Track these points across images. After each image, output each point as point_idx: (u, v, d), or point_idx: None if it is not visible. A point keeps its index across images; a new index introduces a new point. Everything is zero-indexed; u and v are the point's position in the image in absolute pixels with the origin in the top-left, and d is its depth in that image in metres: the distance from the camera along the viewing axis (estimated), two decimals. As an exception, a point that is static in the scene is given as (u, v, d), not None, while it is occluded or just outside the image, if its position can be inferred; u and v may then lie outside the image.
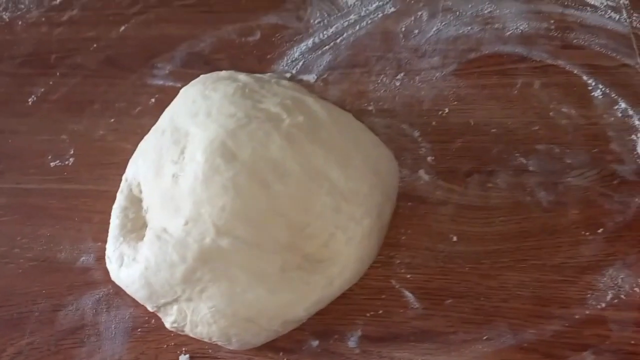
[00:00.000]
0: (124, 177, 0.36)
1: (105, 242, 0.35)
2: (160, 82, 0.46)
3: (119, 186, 0.38)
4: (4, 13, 0.53)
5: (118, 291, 0.33)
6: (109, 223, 0.35)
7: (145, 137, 0.37)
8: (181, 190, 0.31)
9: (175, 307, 0.30)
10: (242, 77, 0.36)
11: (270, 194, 0.31)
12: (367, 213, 0.32)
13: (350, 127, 0.35)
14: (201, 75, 0.39)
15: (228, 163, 0.31)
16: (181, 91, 0.38)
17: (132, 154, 0.39)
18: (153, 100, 0.45)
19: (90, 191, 0.39)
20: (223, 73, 0.38)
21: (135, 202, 0.34)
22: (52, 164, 0.41)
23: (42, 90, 0.46)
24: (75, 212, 0.38)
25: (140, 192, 0.34)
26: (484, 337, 0.32)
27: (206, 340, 0.30)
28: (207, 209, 0.30)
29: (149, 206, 0.33)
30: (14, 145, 0.42)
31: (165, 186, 0.32)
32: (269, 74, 0.41)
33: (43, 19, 0.52)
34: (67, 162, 0.41)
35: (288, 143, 0.32)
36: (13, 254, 0.36)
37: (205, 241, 0.29)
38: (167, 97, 0.44)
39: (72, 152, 0.41)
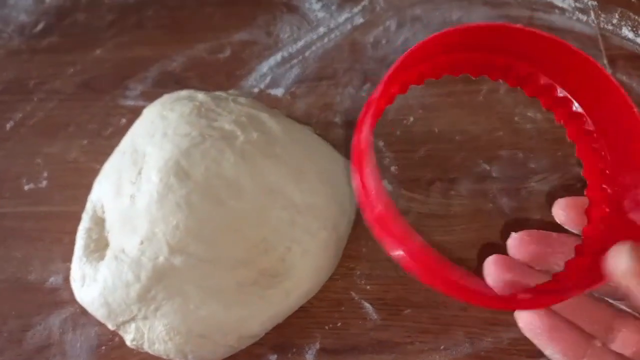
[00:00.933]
0: (89, 198, 0.37)
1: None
2: (132, 103, 0.47)
3: (87, 207, 0.39)
4: (-15, 42, 0.55)
5: (84, 310, 0.34)
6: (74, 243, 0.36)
7: (109, 159, 0.38)
8: (137, 210, 0.32)
9: (133, 326, 0.31)
10: (200, 96, 0.37)
11: (225, 210, 0.31)
12: (322, 226, 0.32)
13: (307, 141, 0.35)
14: (164, 95, 0.40)
15: (181, 182, 0.32)
16: (143, 112, 0.39)
17: None
18: (124, 120, 0.46)
19: (61, 212, 0.40)
20: (183, 93, 0.38)
21: (99, 222, 0.35)
22: (26, 187, 0.42)
23: (20, 115, 0.47)
24: (46, 234, 0.39)
25: (104, 212, 0.35)
26: (441, 347, 0.31)
27: (164, 357, 0.31)
28: (161, 228, 0.31)
29: (110, 226, 0.34)
30: (-9, 170, 0.44)
31: (124, 206, 0.33)
32: (231, 90, 0.41)
33: (24, 47, 0.54)
34: (40, 185, 0.42)
35: (242, 160, 0.33)
36: (-17, 275, 0.37)
37: (159, 260, 0.30)
38: (137, 117, 0.45)
39: (45, 174, 0.42)
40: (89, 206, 0.36)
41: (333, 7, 0.53)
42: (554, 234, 0.28)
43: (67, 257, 0.37)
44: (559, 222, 0.30)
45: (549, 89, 0.30)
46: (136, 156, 0.34)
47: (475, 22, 0.48)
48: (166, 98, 0.38)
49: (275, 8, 0.54)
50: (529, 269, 0.27)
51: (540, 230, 0.29)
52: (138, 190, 0.33)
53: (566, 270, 0.26)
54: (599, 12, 0.46)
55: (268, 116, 0.35)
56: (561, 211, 0.29)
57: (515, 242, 0.28)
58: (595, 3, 0.47)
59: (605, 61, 0.43)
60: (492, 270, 0.27)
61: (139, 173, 0.33)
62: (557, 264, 0.27)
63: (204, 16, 0.54)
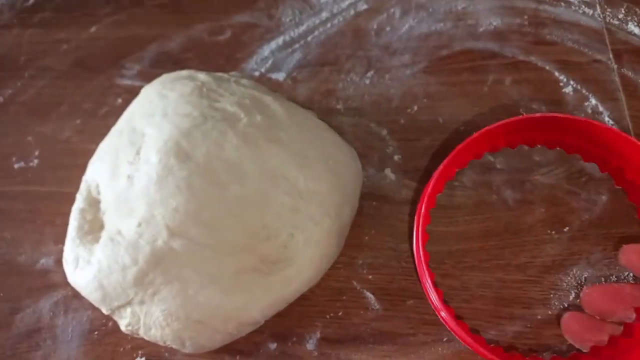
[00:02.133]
0: (83, 179, 0.36)
1: (63, 243, 0.34)
2: (128, 82, 0.46)
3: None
4: (-25, 15, 0.53)
5: (76, 294, 0.33)
6: (67, 225, 0.35)
7: (105, 138, 0.36)
8: (135, 192, 0.31)
9: (128, 310, 0.30)
10: (201, 76, 0.36)
11: (226, 194, 0.30)
12: (325, 213, 0.31)
13: (311, 126, 0.34)
14: (163, 75, 0.39)
15: (182, 163, 0.31)
16: (141, 91, 0.37)
17: None
18: (120, 100, 0.44)
19: (53, 193, 0.39)
20: (183, 72, 0.37)
21: (94, 203, 0.34)
22: (16, 166, 0.40)
23: (10, 92, 0.46)
24: (37, 215, 0.37)
25: (99, 193, 0.34)
26: (444, 339, 0.31)
27: (160, 343, 0.30)
28: (160, 211, 0.30)
29: (106, 208, 0.33)
30: (-22, 148, 0.42)
31: (121, 187, 0.32)
32: (232, 72, 0.40)
33: (15, 21, 0.52)
34: (31, 164, 0.40)
35: (244, 143, 0.31)
36: (-28, 259, 0.36)
37: (157, 243, 0.29)
38: (134, 97, 0.43)
39: (36, 154, 0.41)
40: (83, 187, 0.35)
41: (336, -8, 0.51)
42: (627, 287, 0.29)
43: (60, 239, 0.36)
44: (627, 268, 0.31)
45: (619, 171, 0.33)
46: (134, 136, 0.33)
47: (480, 11, 0.48)
48: (166, 77, 0.37)
49: (276, -11, 0.52)
50: (601, 323, 0.29)
51: (612, 285, 0.30)
52: (136, 171, 0.31)
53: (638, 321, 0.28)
54: (605, 6, 0.46)
55: (272, 99, 0.34)
56: (629, 257, 0.31)
57: (588, 298, 0.30)
58: (601, -3, 0.46)
59: (610, 55, 0.42)
60: (571, 328, 0.29)
61: (137, 153, 0.32)
62: (629, 316, 0.29)
63: (203, -4, 0.53)
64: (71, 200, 0.37)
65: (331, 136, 0.35)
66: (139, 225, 0.30)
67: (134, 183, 0.31)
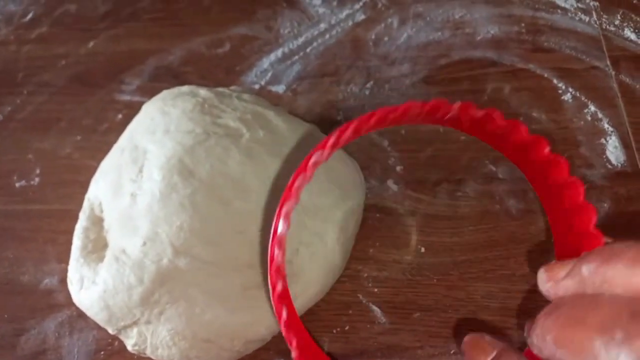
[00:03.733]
0: (86, 197, 0.35)
1: (67, 262, 0.34)
2: (128, 98, 0.46)
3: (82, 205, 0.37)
4: (-28, 31, 0.53)
5: (81, 314, 0.32)
6: (70, 243, 0.35)
7: (107, 156, 0.36)
8: (139, 210, 0.31)
9: (135, 330, 0.30)
10: (203, 92, 0.36)
11: (230, 211, 0.30)
12: (330, 227, 0.31)
13: (313, 140, 0.34)
14: (164, 91, 0.39)
15: (185, 180, 0.31)
16: (142, 108, 0.37)
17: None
18: (120, 116, 0.44)
19: (54, 211, 0.38)
20: (184, 88, 0.37)
21: (97, 222, 0.34)
22: (17, 185, 0.40)
23: (9, 109, 0.45)
24: (39, 233, 0.37)
25: (102, 211, 0.34)
26: (452, 352, 0.31)
27: (167, 362, 0.30)
28: (164, 229, 0.29)
29: (109, 226, 0.33)
30: (-22, 166, 0.42)
31: (124, 205, 0.32)
32: (233, 87, 0.40)
33: (12, 37, 0.52)
34: (32, 182, 0.40)
35: (248, 158, 0.32)
36: (-26, 279, 0.35)
37: (163, 262, 0.29)
38: (134, 112, 0.43)
39: (37, 171, 0.41)
40: (85, 205, 0.35)
41: (334, 3, 0.52)
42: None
43: (63, 257, 0.36)
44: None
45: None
46: (136, 153, 0.33)
47: (477, 20, 0.48)
48: (166, 94, 0.37)
49: (274, 2, 0.53)
50: None
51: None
52: (139, 189, 0.31)
53: None
54: (601, 13, 0.46)
55: (273, 114, 0.34)
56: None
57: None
58: (597, 4, 0.46)
59: (608, 62, 0.43)
60: None
61: (140, 171, 0.32)
62: None
63: (201, 9, 0.53)
64: (73, 218, 0.36)
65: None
66: (144, 244, 0.29)
67: (138, 201, 0.31)
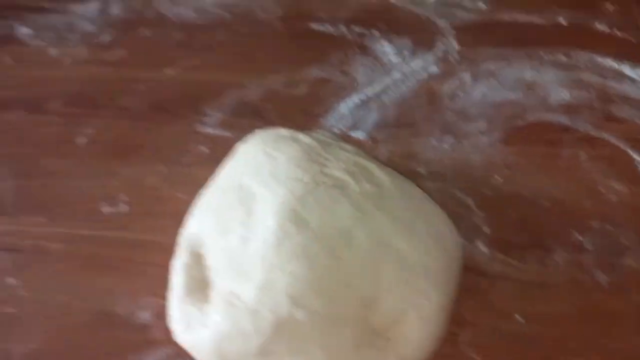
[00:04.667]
0: (183, 232, 0.36)
1: (163, 297, 0.34)
2: (210, 131, 0.46)
3: (173, 238, 0.38)
4: (50, 48, 0.53)
5: (180, 352, 0.32)
6: (165, 277, 0.35)
7: (205, 193, 0.37)
8: (250, 254, 0.31)
9: (245, 376, 0.30)
10: (303, 138, 0.37)
11: (340, 263, 0.31)
12: (436, 288, 0.32)
13: (414, 196, 0.35)
14: (257, 132, 0.39)
15: (299, 229, 0.31)
16: (240, 148, 0.38)
17: (185, 205, 0.39)
18: (204, 149, 0.45)
19: (144, 242, 0.39)
20: (283, 132, 0.38)
21: (198, 260, 0.34)
22: (104, 211, 0.40)
23: (91, 132, 0.46)
24: (130, 264, 0.38)
25: (203, 250, 0.34)
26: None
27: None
28: (280, 277, 0.30)
29: (212, 266, 0.33)
30: (65, 188, 0.42)
31: (232, 247, 0.32)
32: (320, 131, 0.41)
33: (90, 57, 0.53)
34: (119, 210, 0.40)
35: (356, 211, 0.32)
36: (73, 306, 0.35)
37: (280, 312, 0.29)
38: (218, 147, 0.45)
39: (123, 199, 0.41)
40: (184, 241, 0.35)
41: (406, 53, 0.53)
42: None
43: (156, 291, 0.36)
44: None
45: None
46: (243, 195, 0.34)
47: (548, 83, 0.49)
48: (265, 136, 0.38)
49: (347, 47, 0.54)
50: None
51: None
52: (250, 232, 0.32)
53: None
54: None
55: (376, 167, 0.35)
56: None
57: None
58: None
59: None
60: None
61: (249, 214, 0.33)
62: None
63: (275, 47, 0.54)
64: (162, 251, 0.37)
65: (432, 206, 0.36)
66: (259, 290, 0.30)
67: (248, 245, 0.32)
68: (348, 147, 0.38)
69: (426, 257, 0.32)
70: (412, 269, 0.32)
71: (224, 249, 0.33)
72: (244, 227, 0.33)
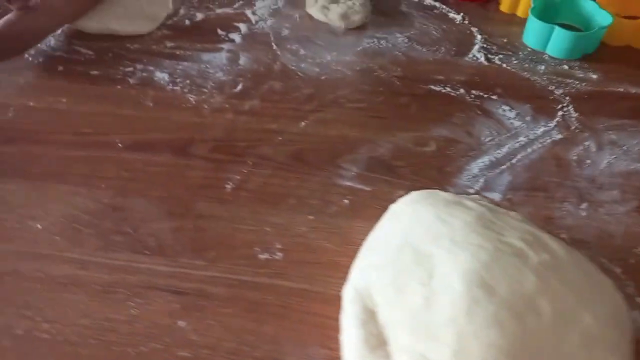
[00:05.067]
0: (350, 286, 0.37)
1: (330, 348, 0.36)
2: (349, 184, 0.48)
3: (329, 288, 0.39)
4: (189, 95, 0.57)
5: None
6: (328, 328, 0.36)
7: (369, 248, 0.38)
8: (437, 317, 0.32)
9: None
10: (471, 204, 0.38)
11: (528, 333, 0.32)
12: None
13: (586, 267, 0.36)
14: (414, 193, 0.41)
15: (488, 296, 0.32)
16: (400, 208, 0.40)
17: (334, 255, 0.41)
18: (346, 201, 0.47)
19: (302, 291, 0.40)
20: (448, 196, 0.40)
21: (372, 315, 0.35)
22: (261, 257, 0.42)
23: (238, 178, 0.48)
24: (291, 312, 0.39)
25: (375, 306, 0.35)
26: None
27: None
28: (473, 344, 0.31)
29: (389, 323, 0.34)
30: (220, 231, 0.44)
31: (413, 308, 0.33)
32: (474, 196, 0.43)
33: (226, 106, 0.56)
34: (275, 256, 0.42)
35: (539, 280, 0.33)
36: (241, 351, 0.36)
37: (474, 377, 0.30)
38: (358, 199, 0.47)
39: (278, 246, 0.43)
40: (353, 294, 0.36)
41: (527, 118, 0.55)
42: None
43: (322, 341, 0.37)
44: None
45: None
46: (419, 257, 0.35)
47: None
48: (434, 199, 0.39)
49: (468, 108, 0.56)
50: None
51: None
52: (433, 294, 0.33)
53: None
54: None
55: (548, 237, 0.36)
56: None
57: None
58: None
59: None
60: None
61: (430, 276, 0.34)
62: None
63: (400, 105, 0.57)
64: (321, 301, 0.38)
65: (602, 277, 0.37)
66: (453, 355, 0.31)
67: (433, 307, 0.33)
68: (516, 215, 0.39)
69: (607, 329, 0.33)
70: (595, 341, 0.32)
71: (402, 309, 0.34)
72: (425, 289, 0.34)
